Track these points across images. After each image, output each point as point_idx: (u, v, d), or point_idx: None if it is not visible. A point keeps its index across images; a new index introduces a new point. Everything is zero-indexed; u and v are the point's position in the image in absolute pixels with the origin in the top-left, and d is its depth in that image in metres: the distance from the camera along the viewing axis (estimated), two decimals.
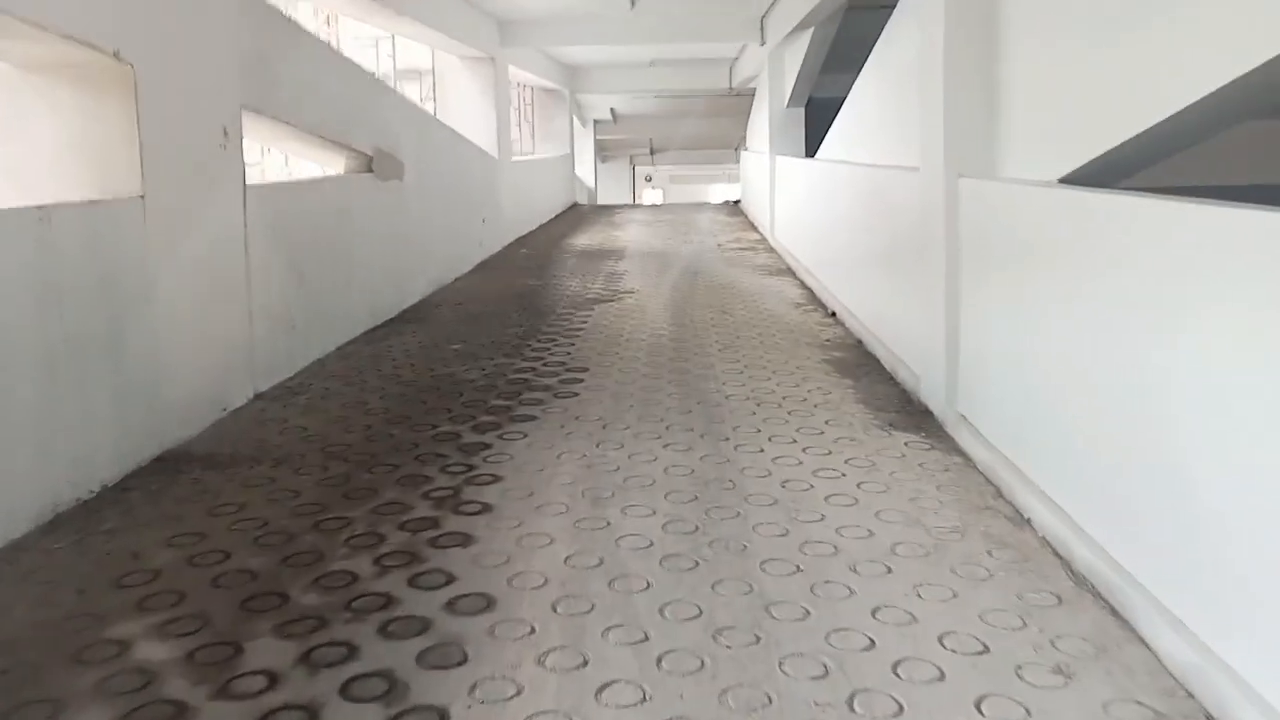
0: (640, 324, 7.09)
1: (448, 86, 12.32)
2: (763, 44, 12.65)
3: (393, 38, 11.12)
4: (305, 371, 5.65)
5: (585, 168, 24.04)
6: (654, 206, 22.07)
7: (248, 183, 5.11)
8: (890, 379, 5.40)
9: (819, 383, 5.31)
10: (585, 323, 7.18)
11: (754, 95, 17.90)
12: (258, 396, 5.06)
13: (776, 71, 12.43)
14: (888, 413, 4.73)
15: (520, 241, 13.02)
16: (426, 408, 4.86)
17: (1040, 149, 3.99)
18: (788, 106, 12.36)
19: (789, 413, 4.70)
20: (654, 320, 7.24)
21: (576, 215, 17.54)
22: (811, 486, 3.69)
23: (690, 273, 9.89)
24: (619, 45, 14.80)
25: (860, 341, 6.37)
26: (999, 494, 3.63)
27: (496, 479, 3.79)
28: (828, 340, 6.48)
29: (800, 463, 3.97)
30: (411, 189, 8.20)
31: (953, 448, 4.19)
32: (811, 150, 12.14)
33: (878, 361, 5.79)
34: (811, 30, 10.34)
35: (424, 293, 8.50)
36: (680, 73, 19.04)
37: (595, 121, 24.66)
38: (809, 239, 9.33)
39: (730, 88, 19.19)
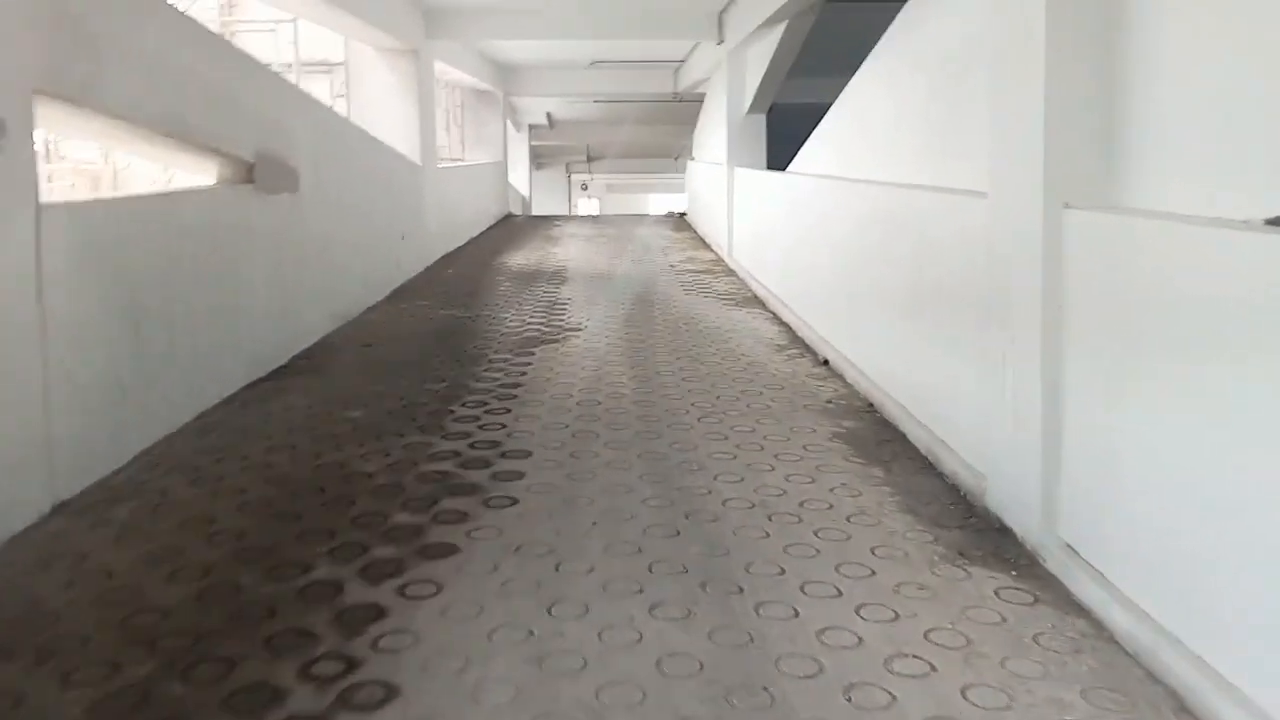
0: (594, 376, 5.69)
1: (363, 82, 10.76)
2: (720, 42, 11.38)
3: (295, 22, 9.55)
4: (142, 459, 4.12)
5: (520, 176, 22.56)
6: (593, 218, 20.67)
7: (45, 200, 3.59)
8: (929, 465, 4.10)
9: (840, 474, 3.98)
10: (524, 374, 5.75)
11: (702, 101, 16.69)
12: (58, 508, 3.53)
13: (736, 74, 11.17)
14: (948, 528, 3.42)
15: (447, 260, 11.51)
16: (300, 529, 3.39)
17: (1211, 172, 2.72)
18: (748, 113, 11.11)
19: (817, 533, 3.35)
20: (610, 370, 5.85)
21: (510, 228, 16.07)
22: (894, 698, 2.35)
23: (644, 302, 8.52)
24: (560, 41, 13.43)
25: (871, 405, 5.07)
26: (1180, 705, 2.34)
27: (388, 694, 2.35)
28: (830, 402, 5.17)
29: (860, 640, 2.62)
30: (309, 203, 6.68)
31: (1065, 599, 2.89)
32: (775, 162, 10.92)
33: (903, 437, 4.50)
34: (783, 26, 9.09)
35: (325, 330, 6.97)
36: (622, 76, 17.72)
37: (530, 126, 23.20)
38: (783, 265, 8.05)
39: (675, 93, 17.95)
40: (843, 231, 5.94)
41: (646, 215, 22.39)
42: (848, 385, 5.55)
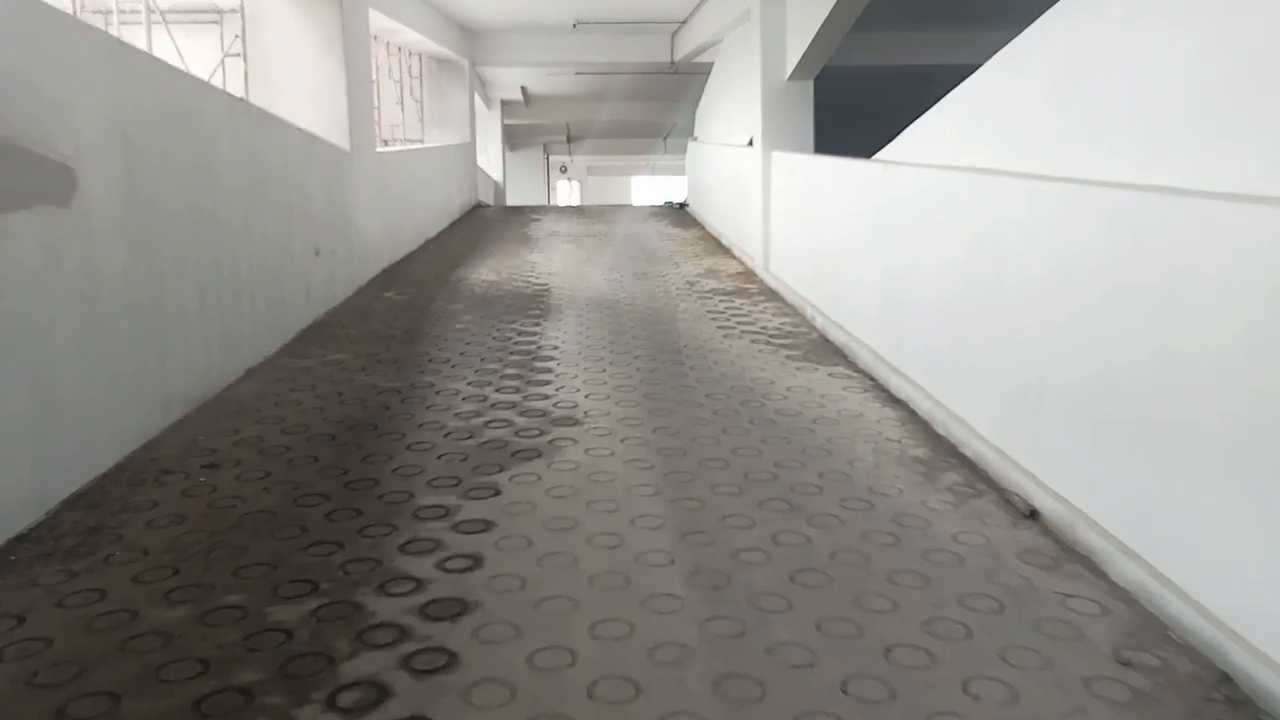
0: (614, 579, 2.89)
1: (266, 38, 7.85)
2: None
3: None
4: None
5: (492, 158, 19.60)
6: (577, 210, 17.73)
7: None
8: None
9: None
10: (476, 566, 2.95)
11: (702, 72, 13.86)
12: None
13: (773, 26, 8.32)
14: None
15: (388, 276, 8.62)
16: None
17: None
18: (790, 79, 8.27)
19: None
20: (644, 559, 3.05)
21: (478, 224, 13.17)
22: None
23: (668, 354, 5.73)
24: None
25: (1229, 680, 2.33)
26: None
27: None
28: (1128, 663, 2.42)
29: None
30: (112, 219, 3.83)
31: None
32: (821, 146, 8.14)
33: None
34: None
35: (149, 432, 4.13)
36: (610, 42, 14.84)
37: (503, 103, 20.21)
38: (884, 306, 5.27)
39: (672, 62, 15.08)
40: (1106, 284, 3.13)
41: (642, 206, 19.44)
42: (1118, 590, 2.80)
